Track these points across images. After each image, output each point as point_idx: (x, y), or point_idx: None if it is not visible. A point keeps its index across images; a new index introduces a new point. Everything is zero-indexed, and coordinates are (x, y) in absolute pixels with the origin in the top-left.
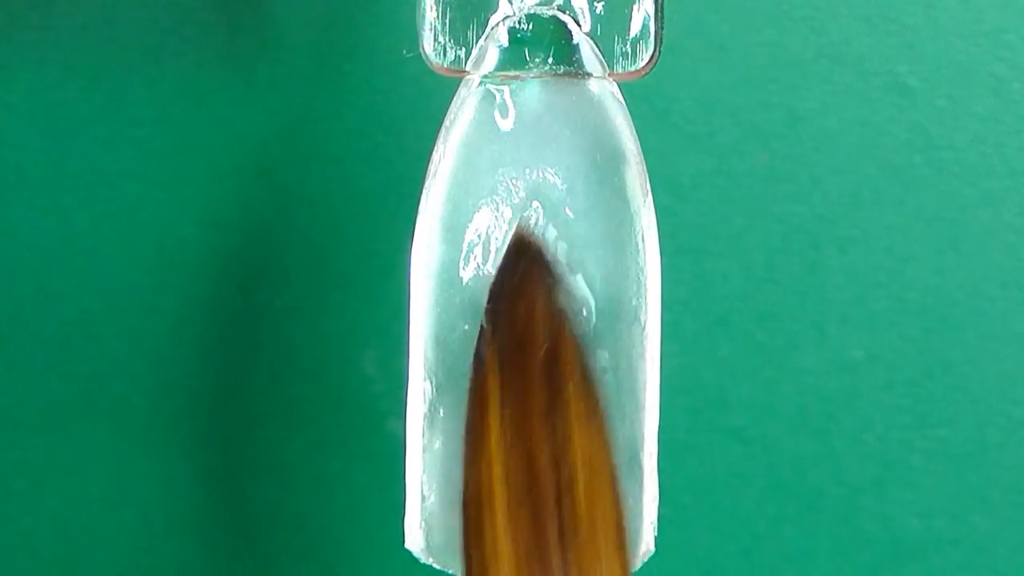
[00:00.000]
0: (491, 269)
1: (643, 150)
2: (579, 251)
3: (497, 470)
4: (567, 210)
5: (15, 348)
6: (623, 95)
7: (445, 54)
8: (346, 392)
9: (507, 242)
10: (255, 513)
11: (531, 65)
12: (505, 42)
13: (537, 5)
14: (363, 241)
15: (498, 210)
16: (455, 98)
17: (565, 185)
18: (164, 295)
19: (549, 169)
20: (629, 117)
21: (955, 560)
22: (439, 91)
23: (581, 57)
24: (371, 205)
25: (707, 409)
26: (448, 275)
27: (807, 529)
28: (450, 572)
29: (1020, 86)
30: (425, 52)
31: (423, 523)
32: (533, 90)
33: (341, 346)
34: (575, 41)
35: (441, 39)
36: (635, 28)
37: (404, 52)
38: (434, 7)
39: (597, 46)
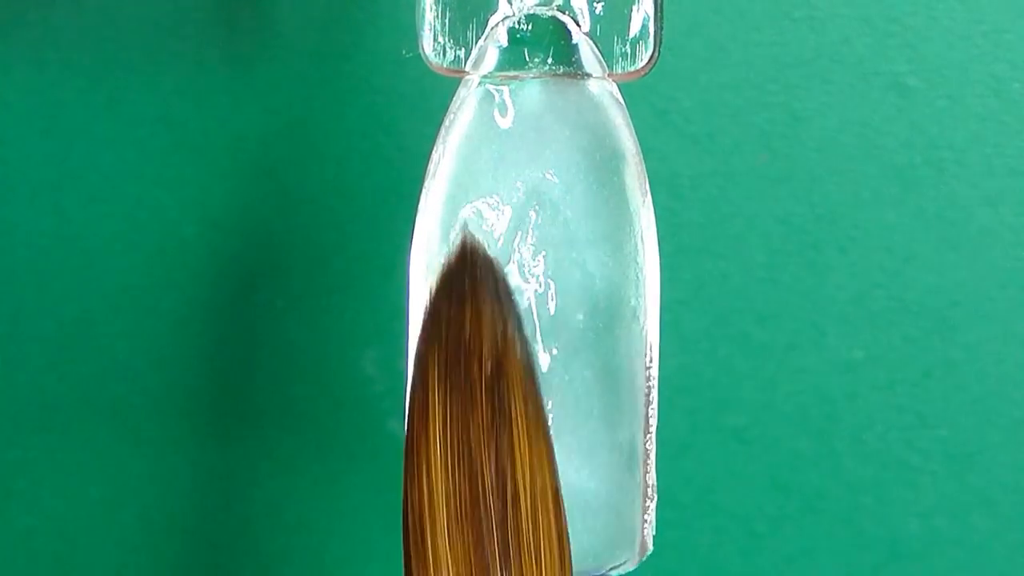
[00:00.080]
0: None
1: (643, 150)
2: (578, 251)
3: (439, 486)
4: (566, 210)
5: (15, 348)
6: (622, 95)
7: (444, 54)
8: (346, 392)
9: (452, 248)
10: (255, 513)
11: (530, 65)
12: (504, 42)
13: (536, 5)
14: (363, 241)
15: (498, 209)
16: (455, 98)
17: (564, 185)
18: (164, 295)
19: (548, 169)
20: (628, 117)
21: (955, 560)
22: (438, 91)
23: (580, 57)
24: (371, 205)
25: (707, 409)
26: None
27: (807, 529)
28: None
29: (1020, 86)
30: (425, 52)
31: None
32: (532, 90)
33: (341, 346)
34: (574, 41)
35: (441, 39)
36: (634, 28)
37: (404, 52)
38: (433, 7)
39: (596, 46)
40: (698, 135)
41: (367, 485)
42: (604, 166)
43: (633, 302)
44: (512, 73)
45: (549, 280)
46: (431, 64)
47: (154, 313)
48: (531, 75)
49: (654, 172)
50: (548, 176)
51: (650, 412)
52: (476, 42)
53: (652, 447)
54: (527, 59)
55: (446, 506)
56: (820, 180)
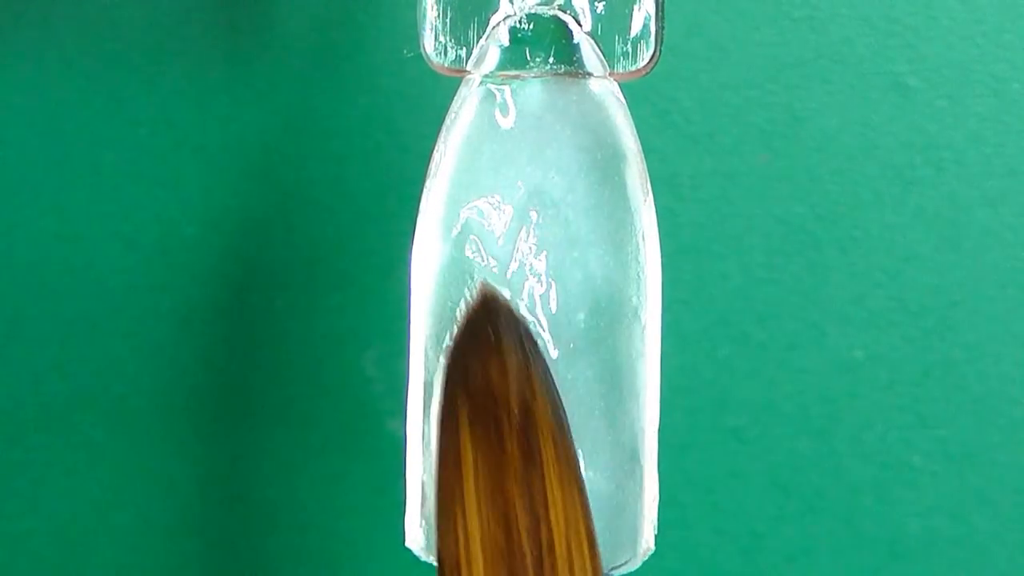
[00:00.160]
0: (493, 263)
1: (643, 150)
2: (580, 250)
3: (474, 533)
4: (567, 209)
5: (15, 348)
6: (623, 95)
7: (446, 54)
8: (346, 392)
9: (472, 298)
10: (255, 513)
11: (532, 65)
12: (506, 42)
13: (538, 5)
14: (363, 241)
15: (499, 209)
16: (456, 97)
17: (566, 184)
18: (164, 295)
19: (550, 168)
20: (630, 116)
21: (955, 560)
22: (439, 90)
23: (582, 57)
24: (371, 205)
25: (707, 409)
26: (449, 274)
27: (807, 529)
28: None
29: (1020, 86)
30: (426, 52)
31: (423, 522)
32: (534, 89)
33: (341, 346)
34: (576, 41)
35: (442, 39)
36: (636, 28)
37: (405, 52)
38: (435, 7)
39: (598, 46)
40: (698, 135)
41: (367, 485)
42: (605, 165)
43: (635, 301)
44: (513, 72)
45: (550, 280)
46: (432, 63)
47: (154, 313)
48: (532, 74)
49: (654, 172)
50: (549, 175)
51: (651, 411)
52: (477, 41)
53: (654, 447)
54: (528, 58)
55: (481, 553)
56: (820, 180)
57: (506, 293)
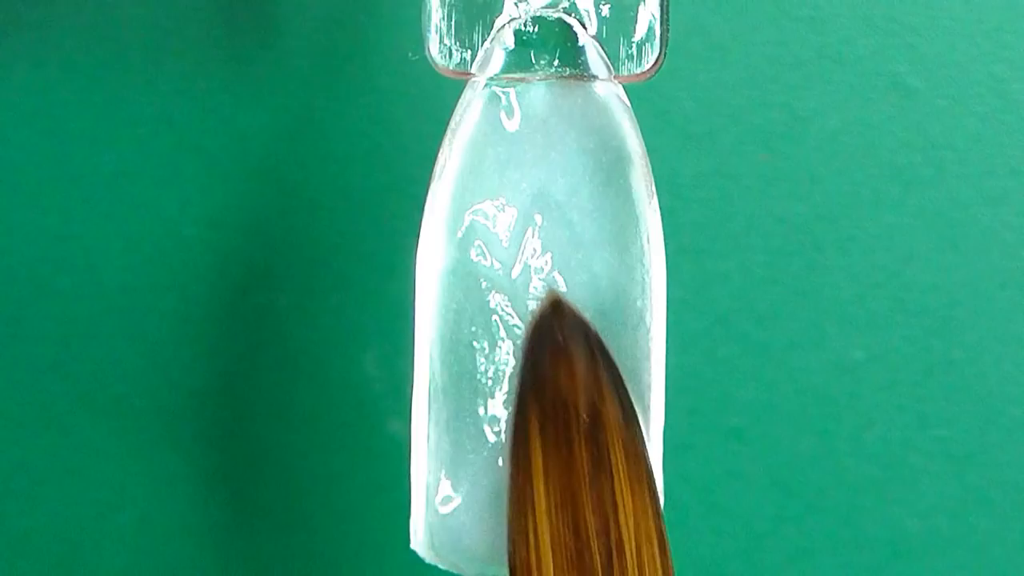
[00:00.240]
0: (498, 266)
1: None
2: (584, 253)
3: (544, 538)
4: (572, 212)
5: (15, 348)
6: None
7: (451, 56)
8: (346, 392)
9: (540, 305)
10: (255, 513)
11: (537, 67)
12: (511, 44)
13: (543, 8)
14: (364, 241)
15: (504, 212)
16: (460, 100)
17: (570, 187)
18: (164, 295)
19: (554, 171)
20: (635, 119)
21: (955, 560)
22: (440, 91)
23: (587, 59)
24: (372, 205)
25: (707, 409)
26: (454, 276)
27: (807, 529)
28: (454, 572)
29: (1020, 86)
30: (431, 54)
31: (428, 523)
32: (539, 92)
33: (341, 346)
34: (581, 43)
35: (447, 41)
36: (640, 30)
37: (410, 55)
38: (440, 9)
39: (603, 48)
40: (698, 135)
41: (367, 485)
42: (610, 168)
43: (639, 304)
44: (518, 75)
45: (555, 282)
46: (437, 66)
47: (154, 313)
48: (537, 77)
49: (654, 172)
50: (554, 178)
51: (656, 414)
52: (482, 44)
53: (659, 448)
54: (533, 61)
55: (552, 557)
56: (820, 180)
57: (510, 296)
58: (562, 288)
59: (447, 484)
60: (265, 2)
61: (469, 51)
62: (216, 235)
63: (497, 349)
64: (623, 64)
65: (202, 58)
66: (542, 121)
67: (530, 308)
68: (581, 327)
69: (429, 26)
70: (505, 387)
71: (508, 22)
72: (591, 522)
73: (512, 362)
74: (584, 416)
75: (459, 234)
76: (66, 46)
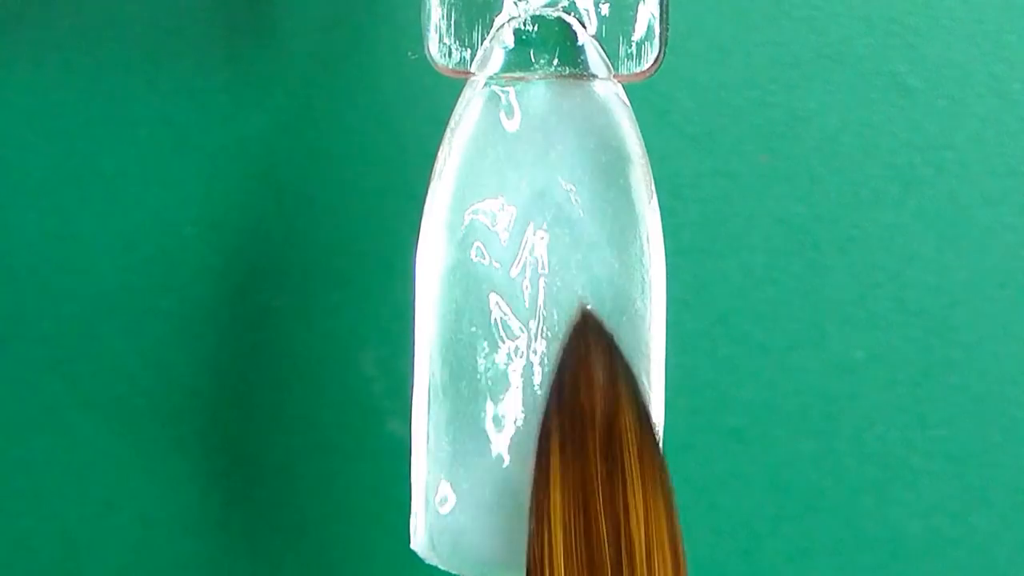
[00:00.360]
0: (498, 266)
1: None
2: (584, 252)
3: (558, 543)
4: (572, 211)
5: (15, 348)
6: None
7: (450, 55)
8: (346, 392)
9: (570, 321)
10: (255, 513)
11: (536, 66)
12: (510, 43)
13: (543, 7)
14: (363, 241)
15: (503, 211)
16: (460, 99)
17: (570, 186)
18: (164, 295)
19: (554, 170)
20: (634, 119)
21: (955, 560)
22: (439, 91)
23: (586, 59)
24: (371, 205)
25: (707, 409)
26: (454, 276)
27: (807, 529)
28: (455, 573)
29: (1020, 86)
30: (430, 53)
31: (428, 524)
32: (538, 91)
33: (341, 346)
34: (580, 43)
35: (446, 40)
36: (640, 30)
37: (410, 54)
38: (439, 8)
39: (602, 48)
40: (698, 135)
41: (367, 485)
42: (610, 168)
43: (639, 303)
44: (518, 74)
45: (555, 282)
46: (437, 65)
47: (154, 313)
48: (537, 76)
49: (654, 172)
50: (554, 178)
51: (656, 413)
52: (482, 43)
53: None
54: (533, 60)
55: (564, 565)
56: (820, 180)
57: (510, 295)
58: (559, 288)
59: (446, 485)
60: (265, 2)
61: (469, 50)
62: (216, 235)
63: (497, 349)
64: (623, 63)
65: (202, 58)
66: (542, 120)
67: (529, 308)
68: (604, 339)
69: (429, 25)
70: (505, 387)
71: (508, 21)
72: (603, 529)
73: (512, 362)
74: (600, 426)
75: (459, 233)
76: (66, 46)
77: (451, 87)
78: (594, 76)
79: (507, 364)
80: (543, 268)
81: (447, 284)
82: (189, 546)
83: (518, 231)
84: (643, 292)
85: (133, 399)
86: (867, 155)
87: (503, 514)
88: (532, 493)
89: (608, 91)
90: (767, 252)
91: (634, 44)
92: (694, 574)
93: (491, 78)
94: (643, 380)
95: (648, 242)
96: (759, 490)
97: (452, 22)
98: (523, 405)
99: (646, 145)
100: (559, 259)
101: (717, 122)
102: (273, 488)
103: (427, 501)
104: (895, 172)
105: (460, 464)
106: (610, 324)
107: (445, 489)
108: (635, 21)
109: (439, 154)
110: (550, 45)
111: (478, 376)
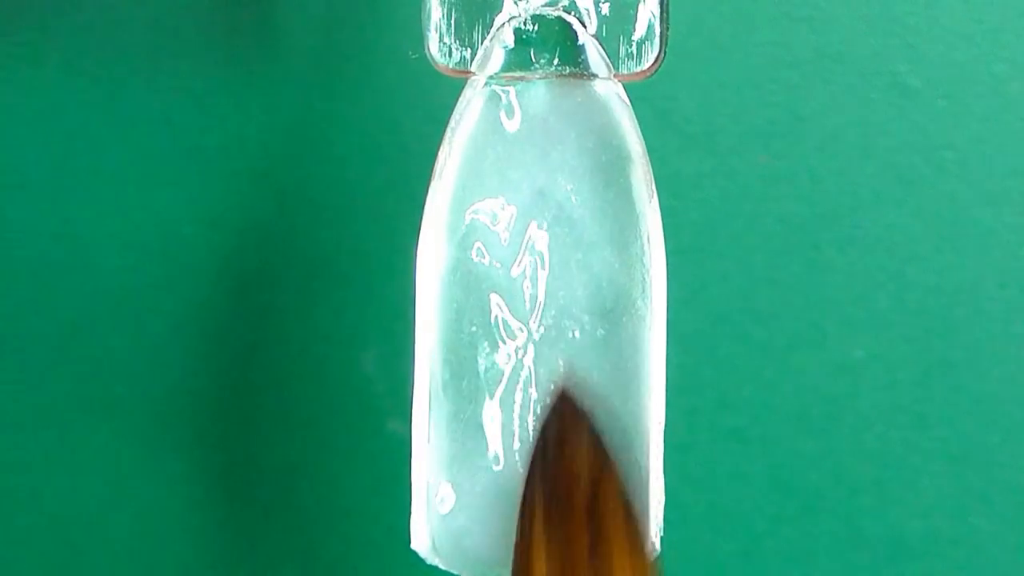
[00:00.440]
0: (498, 266)
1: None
2: (584, 252)
3: None
4: (572, 211)
5: (15, 348)
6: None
7: (451, 55)
8: (346, 392)
9: (551, 395)
10: (255, 513)
11: (537, 66)
12: (511, 43)
13: (543, 6)
14: (363, 241)
15: (504, 211)
16: (460, 99)
17: (571, 186)
18: (164, 295)
19: (555, 170)
20: (634, 118)
21: (955, 560)
22: (440, 90)
23: (587, 58)
24: (371, 205)
25: (707, 409)
26: (455, 276)
27: (807, 529)
28: (455, 573)
29: (1020, 86)
30: (431, 53)
31: (429, 524)
32: (539, 91)
33: (341, 346)
34: (580, 42)
35: (447, 40)
36: (640, 29)
37: (410, 53)
38: (440, 8)
39: (602, 47)
40: (698, 135)
41: (367, 485)
42: (610, 167)
43: (640, 303)
44: (518, 74)
45: (556, 282)
46: (437, 65)
47: (154, 313)
48: (537, 76)
49: (654, 172)
50: (554, 177)
51: (656, 413)
52: (482, 43)
53: (659, 449)
54: (533, 60)
55: None
56: (820, 180)
57: (510, 295)
58: (559, 287)
59: (447, 485)
60: (265, 2)
61: (469, 50)
62: (216, 235)
63: (498, 349)
64: (623, 63)
65: (202, 58)
66: (542, 120)
67: (530, 308)
68: (585, 417)
69: (429, 25)
70: (505, 386)
71: (508, 20)
72: None
73: (512, 362)
74: (585, 495)
75: (459, 233)
76: (66, 46)
77: (451, 87)
78: (594, 76)
79: (507, 363)
80: (543, 267)
81: (447, 284)
82: (189, 546)
83: (519, 231)
84: (643, 291)
85: (133, 399)
86: (867, 155)
87: (504, 514)
88: (515, 562)
89: (608, 91)
90: (767, 252)
91: (634, 44)
92: (694, 574)
93: (491, 78)
94: (643, 380)
95: (648, 241)
96: (759, 490)
97: (452, 22)
98: (523, 405)
99: (646, 145)
100: (559, 259)
101: (717, 122)
102: (273, 488)
103: (428, 501)
104: (895, 172)
105: (460, 464)
106: (610, 323)
107: (445, 489)
108: (635, 21)
109: (439, 154)
110: (550, 45)
111: (478, 376)
